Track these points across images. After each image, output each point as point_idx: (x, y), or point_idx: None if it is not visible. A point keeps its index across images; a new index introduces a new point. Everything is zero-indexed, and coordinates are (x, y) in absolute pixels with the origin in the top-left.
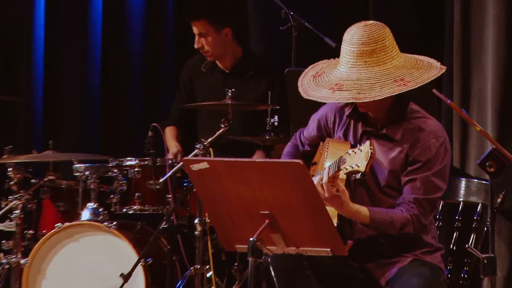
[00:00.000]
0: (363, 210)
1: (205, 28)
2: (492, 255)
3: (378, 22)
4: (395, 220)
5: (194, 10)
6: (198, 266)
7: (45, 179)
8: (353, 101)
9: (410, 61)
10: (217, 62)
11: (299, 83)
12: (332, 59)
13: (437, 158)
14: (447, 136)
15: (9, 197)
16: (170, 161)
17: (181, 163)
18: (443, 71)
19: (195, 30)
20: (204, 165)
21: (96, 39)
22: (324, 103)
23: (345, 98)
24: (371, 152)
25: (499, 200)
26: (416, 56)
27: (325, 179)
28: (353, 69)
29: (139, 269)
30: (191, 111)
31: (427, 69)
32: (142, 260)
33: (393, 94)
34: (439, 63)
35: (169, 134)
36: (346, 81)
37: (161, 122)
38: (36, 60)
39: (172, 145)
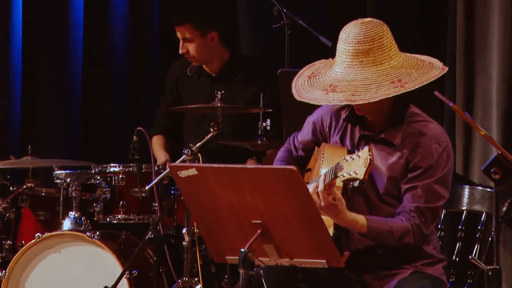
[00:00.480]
0: (360, 219)
1: (190, 33)
2: (497, 267)
3: (375, 20)
4: (394, 229)
5: (177, 14)
6: (186, 279)
7: (24, 186)
8: (347, 103)
9: (409, 61)
10: (203, 66)
11: (293, 84)
12: (330, 59)
13: (439, 164)
14: (450, 141)
15: None
16: (156, 168)
17: (168, 170)
18: (445, 71)
19: (179, 35)
20: (192, 171)
21: (78, 39)
22: (318, 106)
23: (339, 100)
24: (370, 158)
25: (504, 208)
26: (417, 55)
27: (321, 187)
28: (349, 69)
29: (124, 282)
30: (177, 117)
31: (427, 69)
32: (127, 272)
33: (389, 96)
34: (441, 63)
35: (157, 144)
36: (341, 82)
37: (148, 130)
38: (13, 60)
39: (160, 154)
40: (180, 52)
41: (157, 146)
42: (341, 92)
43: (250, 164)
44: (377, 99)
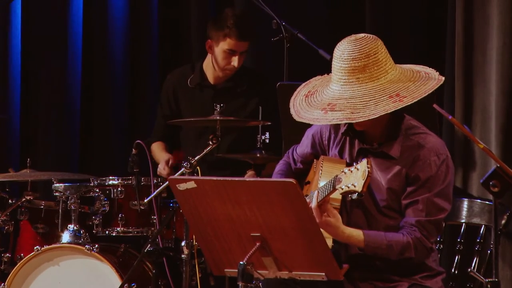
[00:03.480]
0: (357, 235)
1: (247, 46)
2: (496, 280)
3: (369, 35)
4: (393, 244)
5: (246, 30)
6: None
7: (23, 199)
8: (347, 121)
9: (406, 74)
10: (207, 76)
11: (291, 104)
12: (325, 75)
13: (439, 177)
14: (449, 153)
15: None
16: (155, 181)
17: (167, 183)
18: (441, 82)
19: (240, 48)
20: (191, 184)
21: (76, 52)
22: None
23: (338, 119)
24: (368, 171)
25: (503, 221)
26: (412, 66)
27: (313, 204)
28: (346, 87)
29: None
30: (175, 128)
31: (424, 81)
32: (125, 285)
33: (389, 111)
34: (437, 73)
35: (157, 148)
36: (339, 100)
37: (146, 140)
38: (12, 73)
39: (162, 154)
40: (237, 65)
41: (158, 150)
42: (340, 111)
43: (249, 176)
44: (377, 116)
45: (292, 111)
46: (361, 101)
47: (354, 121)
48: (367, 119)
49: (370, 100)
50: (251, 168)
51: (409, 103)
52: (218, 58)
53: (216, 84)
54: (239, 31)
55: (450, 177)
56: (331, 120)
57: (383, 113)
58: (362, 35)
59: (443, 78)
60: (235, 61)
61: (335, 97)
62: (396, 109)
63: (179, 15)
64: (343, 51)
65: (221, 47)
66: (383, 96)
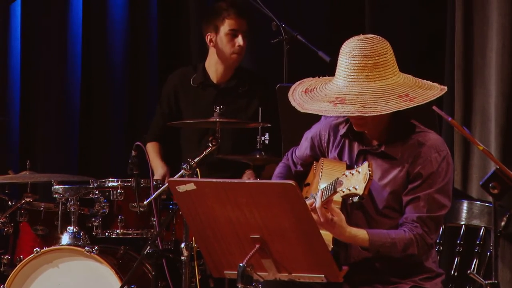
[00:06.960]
0: (361, 233)
1: (246, 28)
2: (496, 282)
3: (378, 36)
4: (397, 241)
5: (239, 7)
6: None
7: (23, 201)
8: (359, 114)
9: (410, 79)
10: (210, 76)
11: (291, 99)
12: (317, 78)
13: (439, 174)
14: (449, 150)
15: None
16: (154, 182)
17: (167, 185)
18: (445, 91)
19: (242, 26)
20: (190, 186)
21: (76, 54)
22: (317, 120)
23: (350, 112)
24: (369, 174)
25: (502, 223)
26: (413, 77)
27: (318, 203)
28: (354, 83)
29: None
30: (173, 128)
31: (428, 87)
32: (125, 287)
33: (400, 109)
34: (437, 84)
35: (153, 152)
36: (347, 95)
37: (142, 137)
38: (12, 75)
39: (158, 165)
40: (242, 44)
41: (153, 155)
42: (350, 104)
43: (248, 176)
44: (389, 111)
45: (293, 104)
46: (371, 97)
47: (366, 115)
48: (379, 113)
49: (380, 97)
50: (249, 169)
51: (419, 104)
52: (223, 44)
53: (219, 83)
54: (237, 9)
55: (450, 174)
56: (341, 112)
57: (395, 110)
58: (371, 35)
59: (446, 88)
60: (240, 40)
61: (342, 92)
62: (407, 107)
63: (178, 16)
64: (354, 48)
65: (223, 31)
66: (392, 95)
